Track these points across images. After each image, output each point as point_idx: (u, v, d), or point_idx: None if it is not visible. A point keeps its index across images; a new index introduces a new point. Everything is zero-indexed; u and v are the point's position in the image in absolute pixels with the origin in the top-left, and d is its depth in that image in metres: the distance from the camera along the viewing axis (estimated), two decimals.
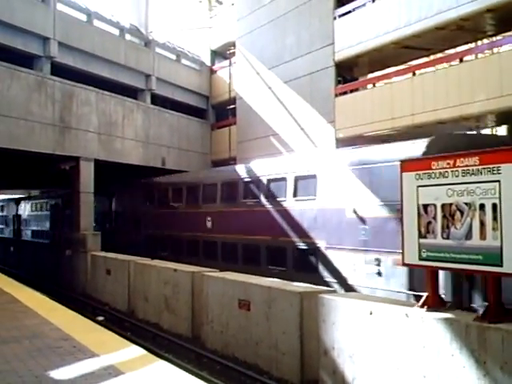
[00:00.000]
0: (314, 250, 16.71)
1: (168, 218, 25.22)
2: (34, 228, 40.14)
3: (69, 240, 24.34)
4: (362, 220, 15.04)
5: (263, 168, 20.24)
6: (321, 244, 16.47)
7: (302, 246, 17.27)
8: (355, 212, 15.29)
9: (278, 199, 18.80)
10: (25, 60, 22.51)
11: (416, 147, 13.69)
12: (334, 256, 15.96)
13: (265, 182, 19.60)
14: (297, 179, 18.06)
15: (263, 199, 19.46)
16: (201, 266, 16.74)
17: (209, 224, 22.03)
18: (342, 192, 15.99)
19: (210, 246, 21.61)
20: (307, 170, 17.86)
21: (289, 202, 18.21)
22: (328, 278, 16.00)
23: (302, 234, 17.34)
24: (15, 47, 22.13)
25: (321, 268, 16.43)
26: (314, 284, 12.64)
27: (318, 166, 17.52)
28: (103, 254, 21.94)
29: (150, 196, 27.74)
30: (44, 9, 23.20)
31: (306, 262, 17.08)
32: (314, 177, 17.20)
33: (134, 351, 8.60)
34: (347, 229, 15.58)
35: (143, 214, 27.36)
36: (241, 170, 21.87)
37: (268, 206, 19.13)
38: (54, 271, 26.43)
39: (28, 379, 6.89)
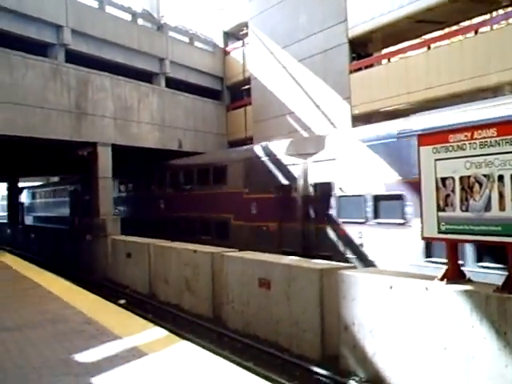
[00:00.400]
0: None
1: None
2: (55, 214, 40.61)
3: (89, 225, 24.52)
4: None
5: None
6: None
7: None
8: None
9: None
10: (39, 48, 22.60)
11: None
12: None
13: None
14: None
15: None
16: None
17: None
18: None
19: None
20: None
21: None
22: None
23: None
24: (29, 36, 22.21)
25: None
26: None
27: None
28: (123, 237, 22.14)
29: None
30: None
31: None
32: None
33: (157, 333, 8.70)
34: None
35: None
36: None
37: None
38: (74, 256, 26.66)
39: (53, 362, 7.05)
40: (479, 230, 7.71)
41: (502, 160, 7.30)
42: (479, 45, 20.17)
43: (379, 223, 15.75)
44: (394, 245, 15.00)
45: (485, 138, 7.58)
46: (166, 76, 29.83)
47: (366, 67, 25.21)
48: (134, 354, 7.27)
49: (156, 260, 18.33)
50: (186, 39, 32.39)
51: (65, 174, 40.41)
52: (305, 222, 18.56)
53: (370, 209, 16.10)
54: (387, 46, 26.35)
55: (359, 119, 24.95)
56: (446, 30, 23.61)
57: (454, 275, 8.28)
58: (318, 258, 14.12)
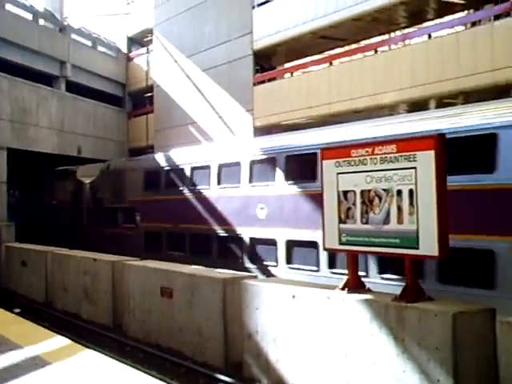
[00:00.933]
0: None
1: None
2: None
3: None
4: None
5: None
6: None
7: None
8: None
9: None
10: None
11: None
12: None
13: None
14: None
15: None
16: None
17: None
18: None
19: None
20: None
21: None
22: None
23: None
24: None
25: None
26: None
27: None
28: (18, 245, 21.39)
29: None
30: None
31: None
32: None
33: (59, 341, 8.48)
34: None
35: None
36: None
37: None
38: None
39: None
40: (379, 241, 8.01)
41: (401, 175, 7.62)
42: (377, 63, 21.02)
43: None
44: None
45: (385, 153, 7.89)
46: (66, 80, 29.16)
47: (270, 80, 25.65)
48: (37, 363, 7.02)
49: (53, 268, 17.83)
50: (89, 43, 31.85)
51: None
52: None
53: None
54: (291, 60, 26.95)
55: (261, 131, 25.33)
56: (348, 48, 24.40)
57: (355, 285, 8.57)
58: None
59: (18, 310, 16.38)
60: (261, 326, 9.66)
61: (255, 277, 12.47)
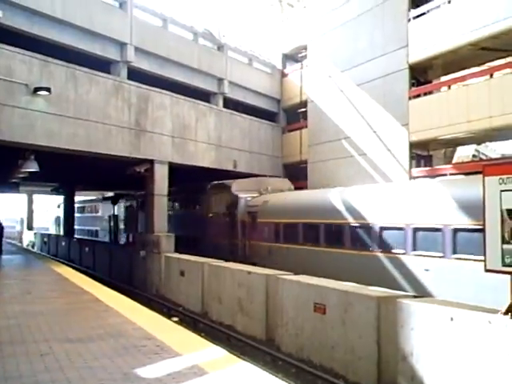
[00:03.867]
0: None
1: None
2: (106, 228, 41.08)
3: (143, 241, 24.77)
4: None
5: None
6: None
7: None
8: None
9: None
10: (103, 65, 23.10)
11: None
12: None
13: None
14: None
15: None
16: None
17: None
18: None
19: None
20: None
21: None
22: None
23: None
24: (94, 53, 22.70)
25: None
26: None
27: None
28: (177, 255, 22.26)
29: None
30: (121, 15, 23.71)
31: None
32: None
33: (216, 351, 8.72)
34: None
35: None
36: None
37: None
38: (128, 272, 26.95)
39: (117, 376, 7.13)
40: None
41: None
42: None
43: None
44: None
45: None
46: (223, 96, 30.05)
47: (425, 94, 25.00)
48: (196, 371, 7.31)
49: (209, 279, 18.35)
50: (245, 60, 32.63)
51: (120, 189, 40.98)
52: None
53: None
54: (448, 73, 26.10)
55: (416, 146, 24.79)
56: (511, 59, 23.24)
57: None
58: None
59: (175, 319, 17.04)
60: (416, 347, 9.37)
61: (411, 296, 12.13)
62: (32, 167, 21.45)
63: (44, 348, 8.77)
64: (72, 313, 11.98)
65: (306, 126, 31.41)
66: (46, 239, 49.45)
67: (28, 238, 59.43)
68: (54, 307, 12.93)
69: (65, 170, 29.42)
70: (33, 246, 53.91)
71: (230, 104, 30.86)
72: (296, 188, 29.00)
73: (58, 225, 50.57)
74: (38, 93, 18.83)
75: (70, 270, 22.72)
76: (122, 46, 23.53)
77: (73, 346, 8.83)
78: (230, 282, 16.84)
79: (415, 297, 11.61)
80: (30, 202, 63.68)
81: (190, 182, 30.14)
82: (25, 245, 56.91)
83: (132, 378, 7.08)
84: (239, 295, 16.17)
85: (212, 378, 7.00)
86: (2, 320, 11.26)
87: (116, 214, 36.28)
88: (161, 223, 24.31)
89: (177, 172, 25.26)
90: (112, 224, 37.39)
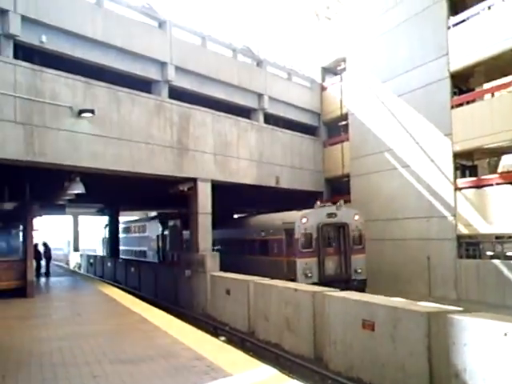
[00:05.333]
0: None
1: None
2: (153, 248, 41.21)
3: (188, 260, 24.76)
4: None
5: None
6: None
7: None
8: None
9: None
10: (144, 85, 23.28)
11: None
12: None
13: None
14: None
15: None
16: None
17: None
18: None
19: None
20: None
21: None
22: None
23: None
24: (135, 73, 22.88)
25: None
26: None
27: None
28: (222, 274, 22.15)
29: None
30: (161, 34, 23.88)
31: None
32: None
33: (266, 371, 8.60)
34: None
35: None
36: None
37: None
38: (173, 291, 26.95)
39: None
40: None
41: None
42: None
43: None
44: None
45: None
46: (264, 112, 30.00)
47: (468, 102, 24.61)
48: None
49: (256, 298, 18.19)
50: (285, 75, 32.52)
51: (163, 208, 41.26)
52: None
53: None
54: (490, 80, 25.69)
55: (461, 156, 24.40)
56: None
57: None
58: None
59: (223, 338, 16.93)
60: (469, 363, 9.05)
61: (462, 311, 11.81)
62: (78, 189, 21.55)
63: (96, 370, 8.86)
64: (121, 334, 12.04)
65: (348, 140, 31.20)
66: (92, 260, 49.97)
67: (74, 259, 60.12)
68: (103, 328, 13.07)
69: (109, 191, 29.60)
70: (79, 268, 54.50)
71: (271, 119, 30.76)
72: None
73: (105, 246, 50.90)
74: (82, 115, 18.98)
75: (117, 290, 22.92)
76: (162, 65, 23.66)
77: (124, 368, 8.88)
78: (277, 299, 16.64)
79: (463, 311, 11.31)
80: (76, 223, 64.54)
81: (233, 199, 30.17)
82: (71, 266, 57.57)
83: None
84: (286, 313, 15.95)
85: None
86: (54, 342, 11.44)
87: (164, 233, 36.34)
88: (205, 242, 24.21)
89: (219, 189, 25.19)
90: (160, 244, 37.45)
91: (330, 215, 23.85)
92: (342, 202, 24.87)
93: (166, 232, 35.89)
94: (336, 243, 24.02)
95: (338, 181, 31.76)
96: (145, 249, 45.54)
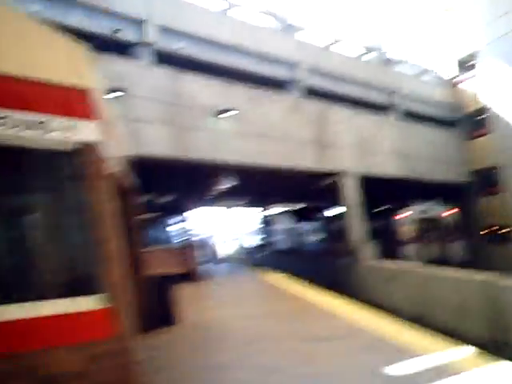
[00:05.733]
0: None
1: None
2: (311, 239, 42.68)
3: (343, 250, 24.83)
4: None
5: None
6: None
7: None
8: None
9: None
10: (281, 85, 24.22)
11: None
12: None
13: None
14: None
15: None
16: None
17: None
18: None
19: None
20: None
21: None
22: None
23: None
24: (274, 76, 24.08)
25: None
26: None
27: None
28: (379, 262, 22.21)
29: None
30: (289, 37, 25.20)
31: None
32: None
33: (462, 351, 8.15)
34: None
35: None
36: None
37: None
38: (331, 277, 26.88)
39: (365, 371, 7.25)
40: None
41: None
42: None
43: None
44: None
45: None
46: (399, 107, 29.93)
47: None
48: (445, 370, 7.02)
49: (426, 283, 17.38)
50: (417, 71, 32.42)
51: (308, 202, 42.11)
52: None
53: None
54: None
55: None
56: None
57: None
58: None
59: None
60: None
61: None
62: (227, 183, 22.90)
63: (287, 346, 9.01)
64: (296, 316, 12.02)
65: (489, 132, 30.26)
66: (250, 249, 52.93)
67: (228, 248, 61.72)
68: (277, 309, 13.24)
69: (256, 186, 30.23)
70: (238, 257, 56.04)
71: (407, 115, 30.44)
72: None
73: (262, 235, 52.78)
74: (223, 115, 19.61)
75: (278, 276, 23.22)
76: (292, 66, 24.73)
77: (312, 345, 8.88)
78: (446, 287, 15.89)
79: None
80: (227, 214, 66.31)
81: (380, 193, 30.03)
82: (226, 255, 59.21)
83: (379, 374, 7.05)
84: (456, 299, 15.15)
85: (467, 377, 6.64)
86: (237, 321, 11.79)
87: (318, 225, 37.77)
88: (359, 232, 24.11)
89: (368, 184, 25.03)
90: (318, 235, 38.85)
91: None
92: None
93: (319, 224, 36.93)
94: None
95: (486, 172, 31.12)
96: (300, 238, 46.96)
